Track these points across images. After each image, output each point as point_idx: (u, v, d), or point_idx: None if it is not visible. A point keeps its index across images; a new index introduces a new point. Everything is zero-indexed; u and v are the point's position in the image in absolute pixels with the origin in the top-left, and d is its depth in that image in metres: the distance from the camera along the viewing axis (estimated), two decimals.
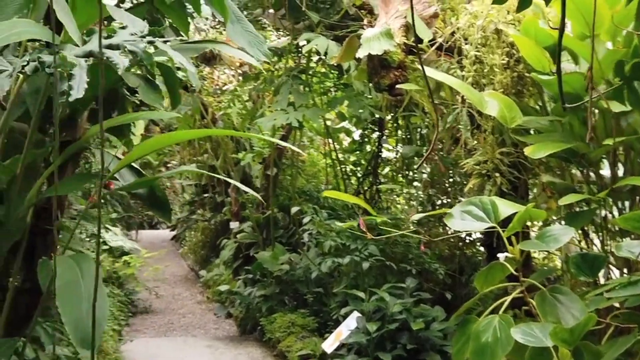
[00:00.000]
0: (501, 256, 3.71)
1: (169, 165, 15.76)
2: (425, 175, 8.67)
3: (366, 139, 10.71)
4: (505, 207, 3.72)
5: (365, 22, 6.11)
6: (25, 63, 2.54)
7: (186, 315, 11.01)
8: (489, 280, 3.79)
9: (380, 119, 9.64)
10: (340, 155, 10.66)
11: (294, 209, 9.73)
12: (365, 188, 10.33)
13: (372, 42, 4.88)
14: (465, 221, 3.72)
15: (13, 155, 3.46)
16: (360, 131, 10.62)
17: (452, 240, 7.97)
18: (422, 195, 8.88)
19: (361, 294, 6.91)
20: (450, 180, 8.15)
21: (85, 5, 3.06)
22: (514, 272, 3.62)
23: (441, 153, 6.89)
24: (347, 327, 6.65)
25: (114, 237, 11.68)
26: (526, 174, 4.93)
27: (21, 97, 3.35)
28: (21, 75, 3.05)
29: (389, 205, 10.39)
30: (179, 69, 6.92)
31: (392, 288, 6.92)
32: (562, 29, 2.38)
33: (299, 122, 7.85)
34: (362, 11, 6.70)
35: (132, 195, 4.22)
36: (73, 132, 3.81)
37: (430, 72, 4.42)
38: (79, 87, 2.44)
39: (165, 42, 2.93)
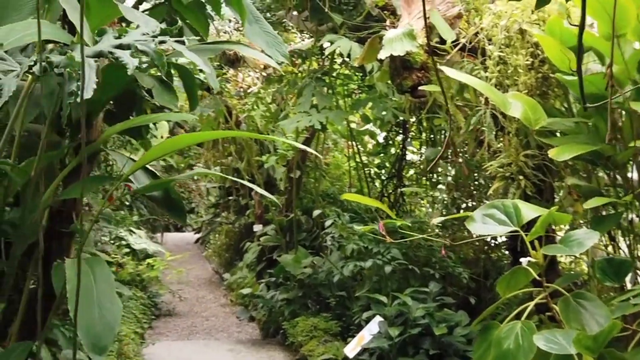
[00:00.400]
0: (524, 261, 3.63)
1: (194, 167, 15.79)
2: (449, 178, 8.58)
3: (390, 142, 10.64)
4: (529, 211, 3.64)
5: (387, 22, 6.04)
6: (32, 63, 2.51)
7: (209, 318, 11.00)
8: (512, 285, 3.72)
9: (404, 121, 9.57)
10: (364, 158, 10.60)
11: (316, 212, 9.67)
12: (390, 191, 10.25)
13: (394, 43, 4.82)
14: (487, 225, 3.65)
15: (29, 157, 3.44)
16: (384, 134, 10.54)
17: (477, 243, 7.88)
18: (446, 199, 8.78)
19: (384, 298, 6.84)
20: (475, 183, 8.05)
21: (99, 6, 3.03)
22: (537, 277, 3.54)
23: (465, 155, 6.80)
24: (370, 332, 6.58)
25: (138, 239, 11.73)
26: (551, 176, 4.83)
27: (36, 99, 3.33)
28: (30, 76, 3.02)
29: (412, 209, 10.30)
30: (201, 71, 6.93)
31: (414, 292, 6.84)
32: (582, 27, 2.30)
33: (321, 124, 7.79)
34: (385, 12, 6.65)
35: (148, 197, 4.18)
36: (88, 134, 3.79)
37: (453, 73, 4.35)
38: (87, 87, 2.40)
39: (179, 42, 2.88)
